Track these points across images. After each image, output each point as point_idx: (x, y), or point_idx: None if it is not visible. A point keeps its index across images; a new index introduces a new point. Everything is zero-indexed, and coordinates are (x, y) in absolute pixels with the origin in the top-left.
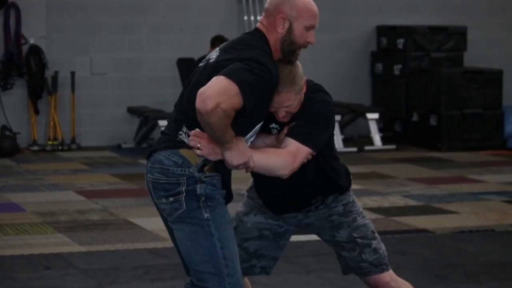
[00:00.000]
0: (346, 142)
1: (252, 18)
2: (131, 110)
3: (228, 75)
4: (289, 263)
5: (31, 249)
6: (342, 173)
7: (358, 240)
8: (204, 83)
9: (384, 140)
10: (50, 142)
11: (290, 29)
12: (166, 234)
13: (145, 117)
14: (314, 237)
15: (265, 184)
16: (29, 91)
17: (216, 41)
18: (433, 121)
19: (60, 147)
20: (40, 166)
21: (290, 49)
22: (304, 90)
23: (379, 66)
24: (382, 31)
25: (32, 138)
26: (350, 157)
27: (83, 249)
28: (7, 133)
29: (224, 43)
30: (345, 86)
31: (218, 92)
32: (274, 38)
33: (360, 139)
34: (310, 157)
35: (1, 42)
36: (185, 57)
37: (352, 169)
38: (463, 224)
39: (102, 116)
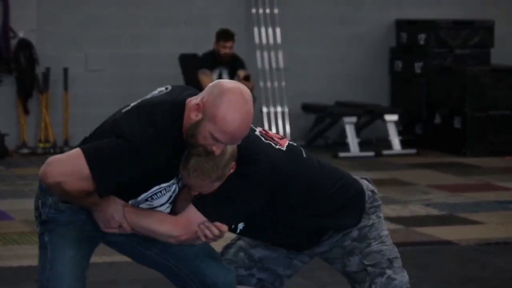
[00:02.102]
0: (363, 145)
1: (260, 11)
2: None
3: (88, 154)
4: (301, 277)
5: (20, 260)
6: (345, 211)
7: (368, 268)
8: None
9: (404, 143)
10: (41, 145)
11: (198, 123)
12: None
13: None
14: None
15: (260, 234)
16: (18, 89)
17: (221, 35)
18: (457, 123)
19: (52, 150)
20: (30, 170)
21: (190, 142)
22: (227, 174)
23: (399, 64)
24: (402, 25)
25: (21, 140)
26: (366, 162)
27: (98, 260)
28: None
29: (141, 100)
30: (361, 85)
31: (64, 171)
32: (187, 118)
33: (378, 143)
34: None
35: None
36: (188, 52)
37: (369, 175)
38: (489, 235)
39: (97, 116)
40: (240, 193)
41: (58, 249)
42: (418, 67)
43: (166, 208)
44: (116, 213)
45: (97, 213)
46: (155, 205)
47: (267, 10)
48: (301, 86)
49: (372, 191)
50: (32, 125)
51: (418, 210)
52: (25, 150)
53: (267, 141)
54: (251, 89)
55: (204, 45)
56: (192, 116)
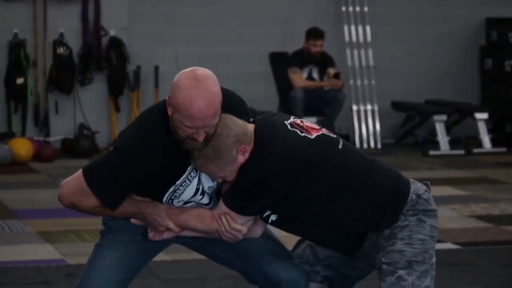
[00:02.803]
0: (453, 144)
1: (350, 9)
2: None
3: (85, 171)
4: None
5: None
6: (380, 210)
7: (383, 266)
8: None
9: (494, 142)
10: None
11: (172, 118)
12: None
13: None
14: None
15: (293, 228)
16: (109, 86)
17: (312, 33)
18: None
19: None
20: None
21: (177, 138)
22: (239, 160)
23: (489, 62)
24: (492, 23)
25: (112, 138)
26: (456, 160)
27: (168, 257)
28: (85, 132)
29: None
30: (451, 83)
31: (72, 191)
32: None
33: (468, 141)
34: (243, 221)
35: (79, 34)
36: (278, 51)
37: (459, 173)
38: None
39: None
40: (256, 178)
41: (102, 251)
42: (508, 65)
43: (203, 200)
44: (159, 217)
45: (144, 221)
46: (185, 200)
47: (357, 8)
48: (390, 84)
49: (418, 195)
50: (123, 123)
51: (508, 208)
52: None
53: (293, 129)
54: (341, 87)
55: (292, 43)
56: (168, 112)
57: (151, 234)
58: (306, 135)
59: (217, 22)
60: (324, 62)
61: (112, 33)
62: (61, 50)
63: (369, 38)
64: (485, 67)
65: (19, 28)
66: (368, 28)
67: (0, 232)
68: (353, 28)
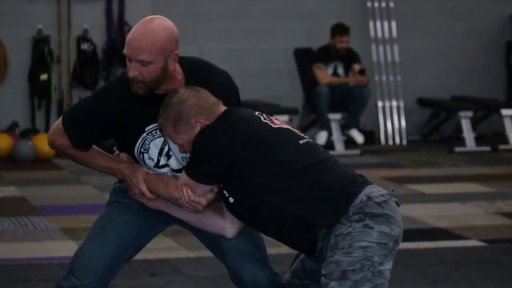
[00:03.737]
0: (479, 140)
1: (376, 4)
2: (244, 104)
3: (63, 113)
4: (414, 272)
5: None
6: (316, 208)
7: (322, 278)
8: None
9: None
10: None
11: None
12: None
13: (259, 112)
14: (441, 244)
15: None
16: None
17: (337, 29)
18: None
19: None
20: None
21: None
22: (196, 131)
23: None
24: None
25: None
26: (482, 156)
27: (191, 254)
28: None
29: None
30: (477, 79)
31: (52, 131)
32: None
33: (494, 137)
34: (207, 191)
35: (103, 30)
36: (303, 47)
37: (485, 170)
38: None
39: None
40: (203, 144)
41: (96, 223)
42: None
43: (171, 162)
44: (135, 179)
45: (124, 181)
46: (152, 158)
47: (383, 4)
48: (416, 80)
49: (369, 197)
50: None
51: None
52: None
53: (257, 115)
54: (366, 83)
55: (318, 39)
56: None
57: (132, 194)
58: (268, 122)
59: (242, 18)
60: (349, 58)
61: None
62: (85, 46)
63: (394, 33)
64: (511, 63)
65: (43, 24)
66: (393, 24)
67: (24, 229)
68: (378, 23)
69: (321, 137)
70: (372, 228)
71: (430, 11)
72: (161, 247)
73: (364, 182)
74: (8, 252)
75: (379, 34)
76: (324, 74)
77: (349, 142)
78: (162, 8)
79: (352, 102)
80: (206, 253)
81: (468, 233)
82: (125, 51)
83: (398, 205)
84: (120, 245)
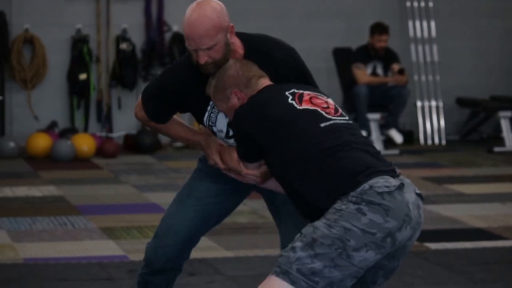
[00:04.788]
0: None
1: (415, 4)
2: None
3: (143, 89)
4: (453, 272)
5: None
6: (310, 195)
7: (297, 235)
8: None
9: None
10: None
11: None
12: None
13: None
14: (481, 244)
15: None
16: None
17: (376, 29)
18: None
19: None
20: (183, 163)
21: (196, 64)
22: (233, 101)
23: None
24: None
25: None
26: None
27: (230, 254)
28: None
29: None
30: None
31: (136, 104)
32: None
33: None
34: (255, 165)
35: (142, 29)
36: (341, 46)
37: None
38: None
39: None
40: (238, 128)
41: (181, 190)
42: None
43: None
44: (210, 150)
45: (204, 151)
46: (221, 129)
47: (422, 3)
48: (455, 80)
49: (371, 186)
50: (185, 118)
51: None
52: (178, 144)
53: (287, 95)
54: (406, 83)
55: (357, 38)
56: None
57: (209, 163)
58: (293, 103)
59: (280, 17)
60: (388, 57)
61: (175, 28)
62: (124, 45)
63: (433, 33)
64: None
65: (82, 24)
66: (433, 23)
67: (63, 228)
68: (417, 23)
69: None
70: (364, 214)
71: (469, 11)
72: (199, 247)
73: (377, 172)
74: (47, 252)
75: (418, 34)
76: (363, 73)
77: (388, 142)
78: None
79: (391, 102)
80: (245, 252)
81: (508, 233)
82: (188, 46)
83: (421, 198)
84: (201, 210)
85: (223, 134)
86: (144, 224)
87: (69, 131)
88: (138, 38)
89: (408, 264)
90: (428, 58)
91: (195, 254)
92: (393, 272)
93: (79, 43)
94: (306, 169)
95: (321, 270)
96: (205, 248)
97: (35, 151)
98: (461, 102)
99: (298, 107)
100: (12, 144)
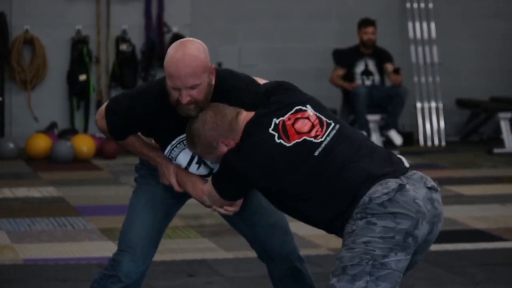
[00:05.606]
0: None
1: (415, 5)
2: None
3: (110, 98)
4: (454, 274)
5: (173, 254)
6: (311, 213)
7: (330, 275)
8: None
9: None
10: None
11: (167, 84)
12: (319, 241)
13: None
14: (481, 246)
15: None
16: None
17: (362, 23)
18: None
19: None
20: None
21: (172, 104)
22: (221, 150)
23: None
24: None
25: None
26: None
27: (230, 255)
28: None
29: None
30: None
31: (99, 110)
32: None
33: None
34: (229, 204)
35: (142, 30)
36: (342, 47)
37: None
38: None
39: None
40: (227, 166)
41: (133, 197)
42: None
43: (200, 171)
44: (167, 170)
45: (158, 169)
46: (182, 164)
47: (422, 4)
48: (455, 81)
49: (370, 199)
50: None
51: None
52: None
53: (272, 133)
54: (400, 83)
55: (356, 40)
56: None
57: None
58: (282, 141)
59: (281, 18)
60: (380, 56)
61: (175, 29)
62: (124, 46)
63: (433, 34)
64: None
65: (82, 25)
66: (433, 24)
67: (62, 229)
68: (417, 24)
69: None
70: (375, 224)
71: (470, 12)
72: (199, 248)
73: (377, 178)
74: (46, 253)
75: (418, 35)
76: (336, 74)
77: (388, 143)
78: (201, 8)
79: (389, 103)
80: (245, 254)
81: (508, 235)
82: (171, 84)
83: (435, 189)
84: (163, 213)
85: (182, 167)
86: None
87: (69, 132)
88: (138, 39)
89: None
90: (428, 59)
91: (194, 255)
92: (414, 266)
93: (79, 44)
94: (311, 201)
95: (366, 287)
96: (204, 249)
97: (34, 152)
98: (461, 103)
99: (287, 144)
100: (11, 145)
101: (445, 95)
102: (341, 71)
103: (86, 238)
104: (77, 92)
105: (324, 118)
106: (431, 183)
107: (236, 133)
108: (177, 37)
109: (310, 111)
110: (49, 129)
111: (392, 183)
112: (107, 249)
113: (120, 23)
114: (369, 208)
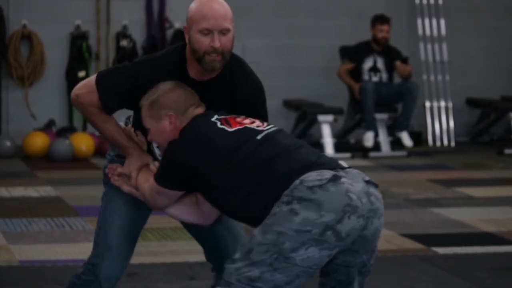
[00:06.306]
0: None
1: (424, 1)
2: (287, 103)
3: (99, 72)
4: (462, 278)
5: (174, 256)
6: (238, 208)
7: (239, 246)
8: None
9: None
10: None
11: (190, 38)
12: None
13: (303, 111)
14: (490, 249)
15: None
16: None
17: (377, 19)
18: None
19: None
20: None
21: (197, 57)
22: (163, 123)
23: None
24: None
25: None
26: None
27: None
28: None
29: None
30: None
31: (81, 85)
32: (188, 48)
33: None
34: (168, 193)
35: (143, 26)
36: (348, 44)
37: None
38: None
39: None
40: (167, 153)
41: (110, 201)
42: None
43: None
44: (133, 163)
45: (126, 158)
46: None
47: (431, 0)
48: (465, 80)
49: (302, 181)
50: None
51: None
52: None
53: (215, 121)
54: (409, 73)
55: (363, 36)
56: (186, 40)
57: (112, 177)
58: (224, 127)
59: (286, 14)
60: (389, 53)
61: (177, 25)
62: (124, 42)
63: (443, 32)
64: None
65: (81, 20)
66: (442, 22)
67: (60, 230)
68: (427, 21)
69: (368, 139)
70: (297, 213)
71: (480, 9)
72: (200, 250)
73: (312, 167)
74: (44, 254)
75: (428, 32)
76: (343, 68)
77: (396, 143)
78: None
79: (400, 100)
80: None
81: None
82: (205, 26)
83: (373, 184)
84: (138, 212)
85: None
86: (145, 226)
87: (67, 130)
88: (139, 35)
89: (415, 269)
90: (438, 57)
91: (196, 257)
92: (367, 268)
93: (78, 39)
94: (252, 183)
95: (260, 277)
96: (177, 252)
97: (32, 151)
98: (471, 102)
99: (229, 129)
100: (8, 143)
101: (455, 94)
102: (349, 65)
103: (85, 239)
104: None
105: (265, 123)
106: (368, 178)
107: (185, 119)
108: (179, 33)
109: (249, 118)
110: (47, 127)
111: (327, 173)
112: None
113: (121, 19)
114: (297, 190)
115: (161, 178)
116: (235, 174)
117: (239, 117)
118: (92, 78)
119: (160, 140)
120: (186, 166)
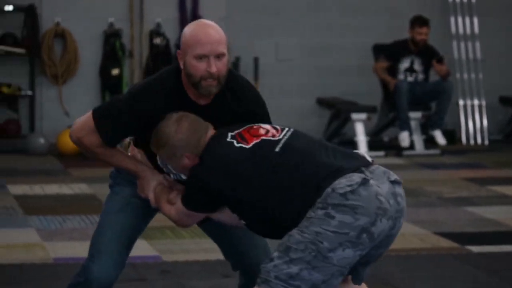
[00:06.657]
0: None
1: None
2: (321, 102)
3: (94, 109)
4: (497, 277)
5: (207, 254)
6: (260, 223)
7: (277, 245)
8: None
9: None
10: None
11: (185, 64)
12: None
13: (336, 109)
14: None
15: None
16: None
17: (416, 21)
18: None
19: None
20: None
21: (193, 82)
22: (184, 161)
23: None
24: None
25: None
26: None
27: None
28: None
29: None
30: None
31: (79, 127)
32: (183, 73)
33: None
34: (196, 215)
35: (177, 24)
36: (381, 42)
37: None
38: None
39: (288, 108)
40: (192, 179)
41: (104, 215)
42: None
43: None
44: (147, 185)
45: (138, 182)
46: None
47: None
48: (499, 78)
49: (333, 189)
50: None
51: None
52: None
53: (231, 140)
54: (446, 73)
55: (397, 34)
56: (180, 65)
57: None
58: (241, 145)
59: (319, 13)
60: (427, 54)
61: None
62: (157, 40)
63: (476, 30)
64: None
65: (114, 18)
66: (475, 20)
67: (94, 227)
68: (460, 19)
69: (404, 139)
70: (333, 217)
71: None
72: (205, 248)
73: (340, 172)
74: (78, 251)
75: (461, 30)
76: (380, 65)
77: (429, 142)
78: (237, 1)
79: (434, 99)
80: None
81: None
82: (200, 51)
83: (398, 183)
84: (139, 217)
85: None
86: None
87: None
88: (172, 33)
89: (448, 268)
90: (471, 56)
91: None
92: (377, 259)
93: (111, 37)
94: (280, 195)
95: (298, 274)
96: (210, 250)
97: (65, 148)
98: (504, 101)
99: (247, 146)
100: (42, 141)
101: (488, 93)
102: (385, 64)
103: None
104: (110, 87)
105: (277, 126)
106: (394, 176)
107: (200, 149)
108: None
109: (261, 124)
110: None
111: (356, 177)
112: (140, 248)
113: (154, 16)
114: (330, 198)
115: (189, 203)
116: (261, 190)
117: (252, 128)
118: (89, 118)
119: (185, 173)
120: (211, 190)
